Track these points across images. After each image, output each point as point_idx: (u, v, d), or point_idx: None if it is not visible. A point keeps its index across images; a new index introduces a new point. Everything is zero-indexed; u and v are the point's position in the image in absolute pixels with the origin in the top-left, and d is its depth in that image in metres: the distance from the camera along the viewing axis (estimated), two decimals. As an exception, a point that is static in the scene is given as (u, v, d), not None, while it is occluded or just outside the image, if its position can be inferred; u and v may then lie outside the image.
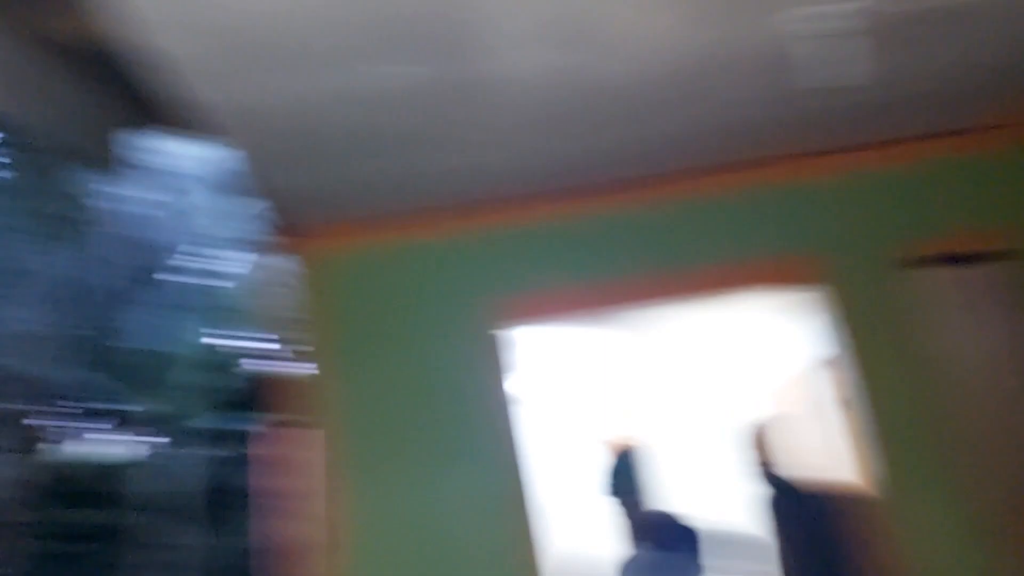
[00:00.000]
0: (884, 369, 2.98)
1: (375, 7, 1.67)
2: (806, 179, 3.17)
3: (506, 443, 2.85)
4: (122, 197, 8.89)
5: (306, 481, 2.84)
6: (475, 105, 2.25)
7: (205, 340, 8.48)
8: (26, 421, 8.81)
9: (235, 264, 9.19)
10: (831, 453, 3.41)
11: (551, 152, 2.70)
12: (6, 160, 8.03)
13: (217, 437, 9.74)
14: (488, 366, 2.93)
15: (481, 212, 3.07)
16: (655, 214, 3.12)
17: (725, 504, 6.51)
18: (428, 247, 3.05)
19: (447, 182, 2.81)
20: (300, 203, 2.75)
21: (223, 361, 8.82)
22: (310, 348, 2.96)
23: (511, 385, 2.93)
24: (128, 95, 2.55)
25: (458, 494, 2.82)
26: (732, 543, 4.73)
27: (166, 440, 8.97)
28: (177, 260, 9.77)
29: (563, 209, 3.11)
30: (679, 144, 2.82)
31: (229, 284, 9.10)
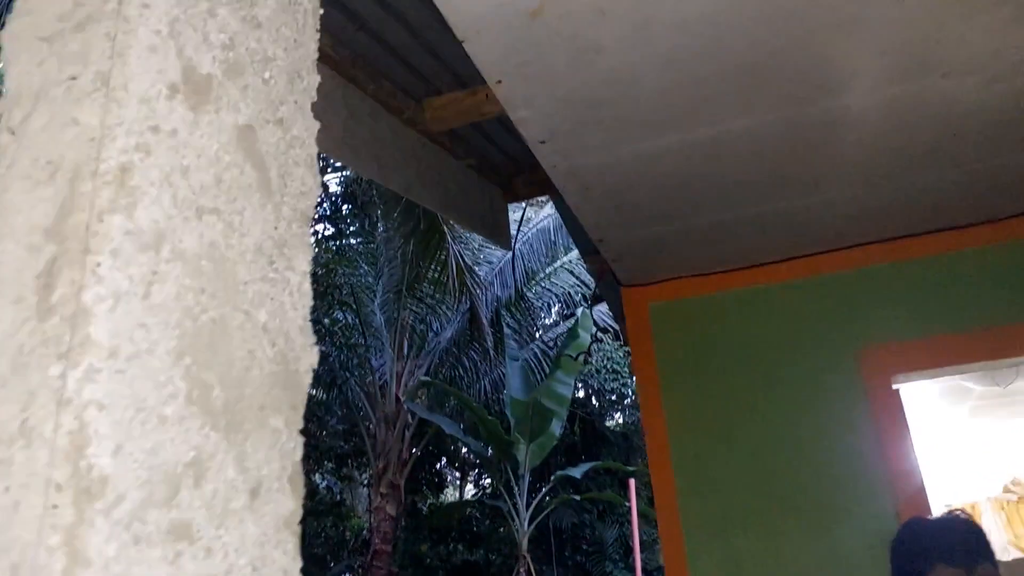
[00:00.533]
0: None
1: (718, 62, 1.77)
2: None
3: (887, 509, 2.61)
4: (480, 258, 10.04)
5: (643, 532, 2.93)
6: (823, 147, 2.22)
7: (552, 389, 9.09)
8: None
9: (578, 317, 9.81)
10: None
11: (906, 189, 2.55)
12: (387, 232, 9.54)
13: (560, 483, 10.32)
14: (865, 420, 2.74)
15: (836, 258, 2.95)
16: (1018, 254, 2.76)
17: None
18: (782, 294, 2.99)
19: (798, 227, 2.77)
20: (639, 257, 2.91)
21: (562, 409, 9.37)
22: (652, 399, 3.05)
23: (898, 441, 2.72)
24: (490, 169, 2.97)
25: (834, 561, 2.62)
26: None
27: (521, 486, 9.70)
28: (533, 314, 10.68)
29: (929, 250, 2.88)
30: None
31: (572, 336, 9.69)
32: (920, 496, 2.59)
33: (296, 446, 0.65)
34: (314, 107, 0.75)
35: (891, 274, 2.88)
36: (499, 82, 1.58)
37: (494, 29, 1.44)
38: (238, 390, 0.60)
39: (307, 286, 0.70)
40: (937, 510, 2.83)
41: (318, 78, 0.77)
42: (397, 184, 2.24)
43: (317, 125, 0.75)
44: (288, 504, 0.62)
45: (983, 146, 2.30)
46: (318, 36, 0.78)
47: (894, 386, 2.75)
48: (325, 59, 1.79)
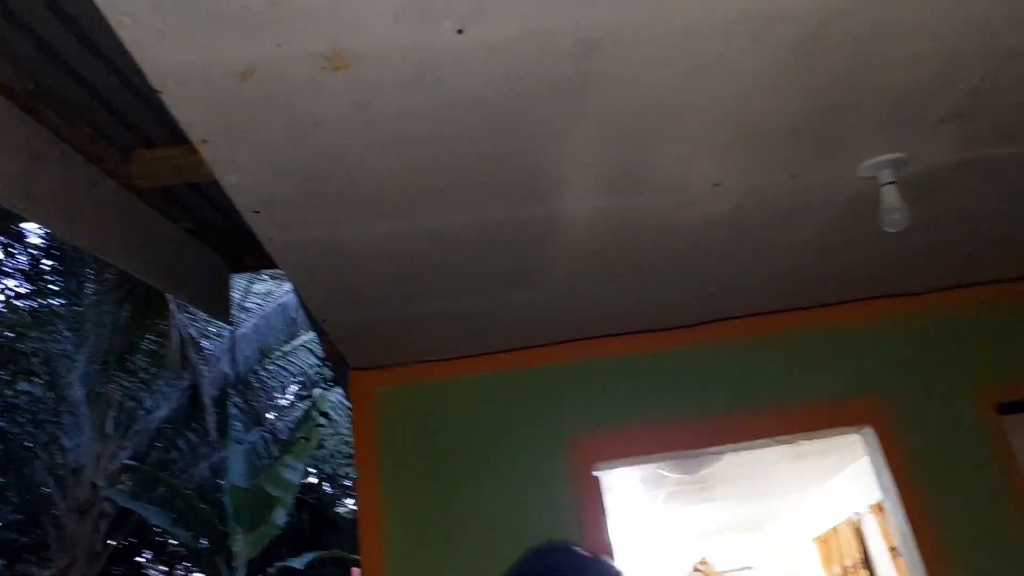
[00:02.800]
0: (958, 510, 2.85)
1: (438, 156, 1.82)
2: (872, 322, 3.18)
3: None
4: (209, 331, 9.32)
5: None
6: (536, 247, 2.35)
7: (279, 475, 8.54)
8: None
9: (299, 399, 9.42)
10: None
11: (611, 292, 2.78)
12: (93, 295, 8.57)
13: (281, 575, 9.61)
14: (570, 504, 2.86)
15: (554, 351, 3.11)
16: (717, 355, 3.14)
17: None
18: (503, 383, 3.08)
19: (510, 322, 2.90)
20: (367, 341, 2.87)
21: (288, 496, 8.84)
22: (370, 485, 2.96)
23: (596, 523, 2.84)
24: (213, 234, 2.79)
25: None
26: None
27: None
28: (250, 395, 10.03)
29: (626, 349, 3.14)
30: (741, 288, 2.88)
31: (294, 419, 9.28)
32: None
33: None
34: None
35: (598, 368, 3.11)
36: (204, 142, 1.48)
37: (198, 84, 1.35)
38: None
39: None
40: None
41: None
42: (91, 243, 2.01)
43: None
44: None
45: (677, 260, 2.60)
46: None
47: (595, 472, 2.92)
48: (1, 88, 1.57)
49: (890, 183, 2.15)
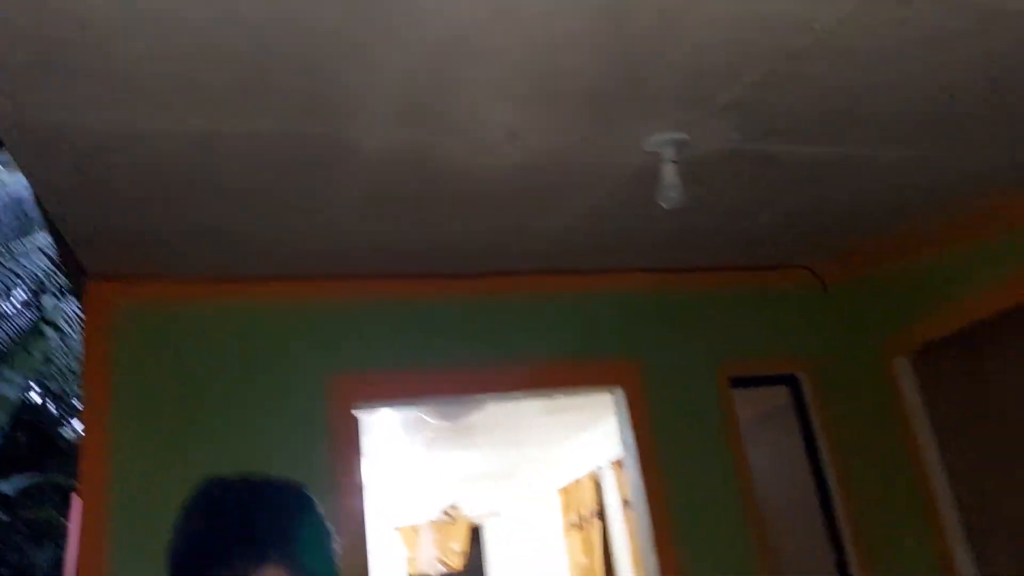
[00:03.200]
0: (686, 471, 3.13)
1: (218, 49, 1.61)
2: (634, 291, 3.37)
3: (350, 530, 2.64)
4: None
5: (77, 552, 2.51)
6: (320, 172, 2.19)
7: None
8: None
9: (27, 307, 8.37)
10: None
11: (396, 233, 2.68)
12: None
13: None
14: (321, 445, 2.74)
15: (315, 285, 2.96)
16: (490, 308, 3.17)
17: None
18: (264, 312, 2.88)
19: (281, 249, 2.70)
20: (110, 248, 2.54)
21: (2, 413, 7.87)
22: (98, 408, 2.65)
23: (350, 463, 2.76)
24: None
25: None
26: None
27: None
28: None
29: (402, 291, 3.07)
30: (522, 244, 2.90)
31: (35, 330, 8.23)
32: (359, 513, 2.70)
33: None
34: None
35: (371, 308, 3.02)
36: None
37: None
38: None
39: None
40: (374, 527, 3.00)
41: None
42: None
43: None
44: None
45: (464, 207, 2.55)
46: None
47: (354, 412, 2.85)
48: None
49: (671, 161, 2.25)
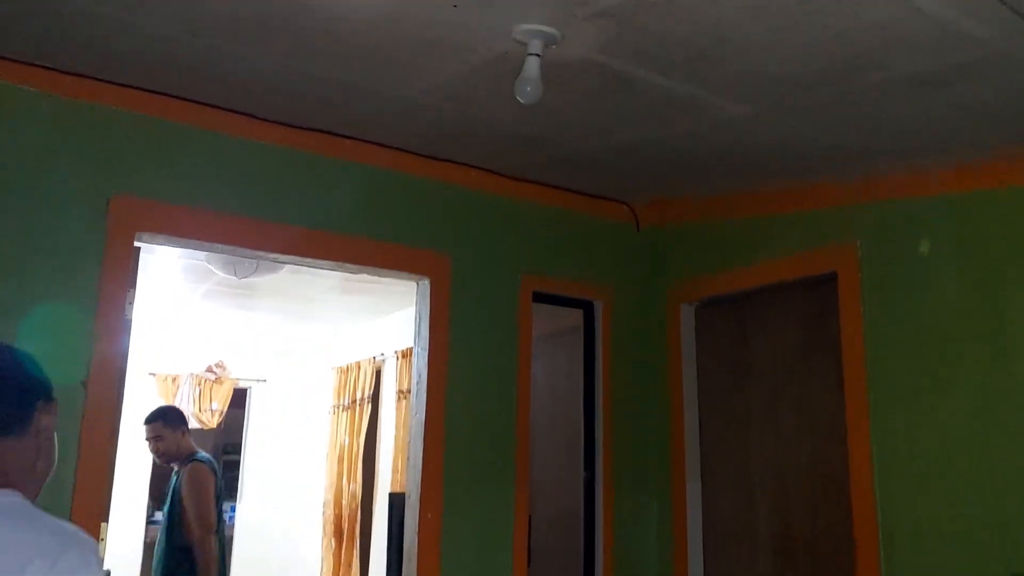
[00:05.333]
0: (472, 372, 3.19)
1: None
2: (460, 184, 3.29)
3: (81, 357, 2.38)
4: None
5: None
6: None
7: None
8: None
9: None
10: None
11: (250, 64, 2.37)
12: None
13: None
14: (90, 268, 2.45)
15: (120, 92, 2.59)
16: (318, 168, 2.98)
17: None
18: (33, 104, 2.46)
19: (86, 36, 2.29)
20: None
21: None
22: None
23: (117, 297, 2.48)
24: None
25: None
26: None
27: None
28: None
29: (225, 126, 2.79)
30: (374, 109, 2.69)
31: None
32: (120, 349, 2.48)
33: None
34: None
35: (176, 133, 2.70)
36: None
37: None
38: None
39: None
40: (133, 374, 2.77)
41: None
42: None
43: None
44: None
45: (324, 49, 2.30)
46: None
47: (137, 243, 2.56)
48: None
49: (535, 55, 2.16)
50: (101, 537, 2.37)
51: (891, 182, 2.90)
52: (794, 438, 3.13)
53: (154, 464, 5.96)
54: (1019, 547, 2.33)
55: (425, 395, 3.06)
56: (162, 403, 6.73)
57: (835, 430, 2.92)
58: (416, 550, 2.94)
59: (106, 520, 2.40)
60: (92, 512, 2.34)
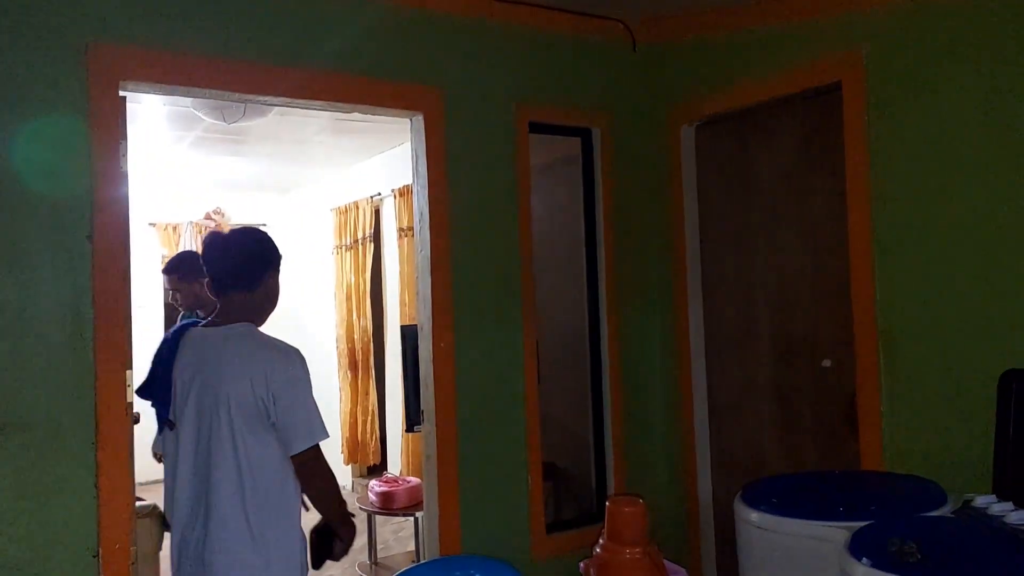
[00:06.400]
0: (473, 204, 3.20)
1: None
2: (451, 15, 3.15)
3: (84, 209, 2.39)
4: None
5: None
6: None
7: None
8: None
9: None
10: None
11: None
12: None
13: None
14: (78, 125, 2.39)
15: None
16: (304, 3, 2.83)
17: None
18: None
19: None
20: None
21: None
22: None
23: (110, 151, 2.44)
24: None
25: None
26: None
27: None
28: None
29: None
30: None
31: None
32: (122, 202, 2.48)
33: None
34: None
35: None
36: None
37: None
38: None
39: None
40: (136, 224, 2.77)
41: None
42: None
43: None
44: None
45: None
46: None
47: (121, 92, 2.49)
48: None
49: None
50: (128, 383, 2.48)
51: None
52: (796, 248, 3.18)
53: (167, 307, 6.13)
54: (1017, 345, 2.39)
55: (429, 231, 3.09)
56: (165, 253, 6.81)
57: (837, 240, 2.94)
58: (432, 377, 3.09)
59: (130, 367, 2.50)
60: (115, 361, 2.43)
